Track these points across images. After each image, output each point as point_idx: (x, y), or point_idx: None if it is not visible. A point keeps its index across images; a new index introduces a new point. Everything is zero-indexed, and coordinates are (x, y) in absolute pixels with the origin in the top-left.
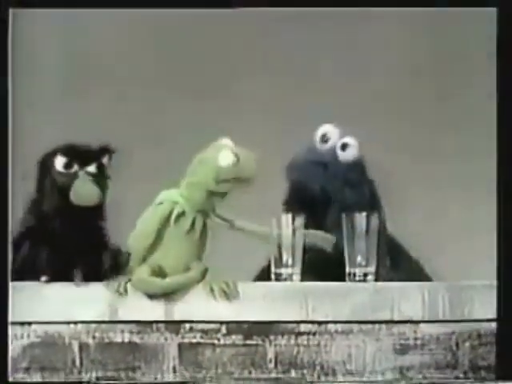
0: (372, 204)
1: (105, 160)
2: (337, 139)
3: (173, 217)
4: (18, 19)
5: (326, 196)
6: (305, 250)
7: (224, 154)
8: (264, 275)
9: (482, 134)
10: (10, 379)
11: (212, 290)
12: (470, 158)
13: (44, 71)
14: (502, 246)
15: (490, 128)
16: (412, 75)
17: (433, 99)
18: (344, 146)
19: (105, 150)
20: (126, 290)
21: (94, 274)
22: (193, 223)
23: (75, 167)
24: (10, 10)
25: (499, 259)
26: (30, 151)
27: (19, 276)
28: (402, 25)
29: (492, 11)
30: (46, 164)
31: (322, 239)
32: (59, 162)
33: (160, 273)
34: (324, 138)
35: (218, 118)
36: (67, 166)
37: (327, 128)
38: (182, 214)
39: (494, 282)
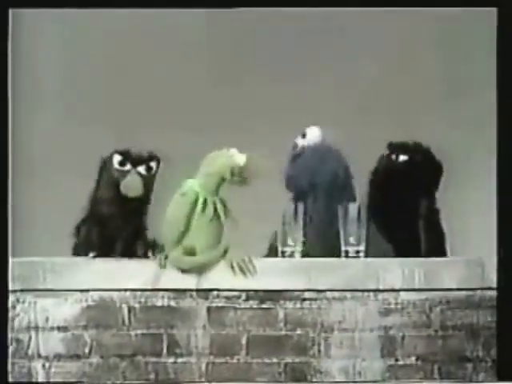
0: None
1: (153, 164)
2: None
3: (199, 205)
4: (18, 19)
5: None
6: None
7: (238, 154)
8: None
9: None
10: (70, 333)
11: (232, 267)
12: None
13: (44, 71)
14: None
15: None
16: (412, 74)
17: (432, 98)
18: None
19: (153, 157)
20: (165, 264)
21: (136, 252)
22: (215, 209)
23: (128, 166)
24: (10, 10)
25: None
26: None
27: (79, 253)
28: (401, 24)
29: (492, 11)
30: (106, 162)
31: None
32: (116, 160)
33: (191, 252)
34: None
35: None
36: (121, 163)
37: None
38: (204, 202)
39: (458, 258)
